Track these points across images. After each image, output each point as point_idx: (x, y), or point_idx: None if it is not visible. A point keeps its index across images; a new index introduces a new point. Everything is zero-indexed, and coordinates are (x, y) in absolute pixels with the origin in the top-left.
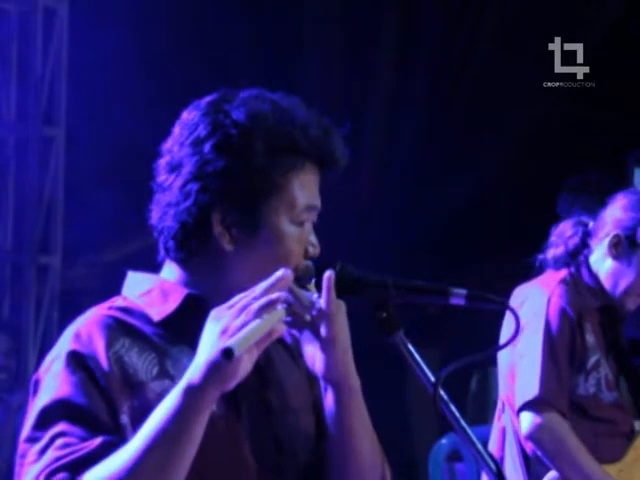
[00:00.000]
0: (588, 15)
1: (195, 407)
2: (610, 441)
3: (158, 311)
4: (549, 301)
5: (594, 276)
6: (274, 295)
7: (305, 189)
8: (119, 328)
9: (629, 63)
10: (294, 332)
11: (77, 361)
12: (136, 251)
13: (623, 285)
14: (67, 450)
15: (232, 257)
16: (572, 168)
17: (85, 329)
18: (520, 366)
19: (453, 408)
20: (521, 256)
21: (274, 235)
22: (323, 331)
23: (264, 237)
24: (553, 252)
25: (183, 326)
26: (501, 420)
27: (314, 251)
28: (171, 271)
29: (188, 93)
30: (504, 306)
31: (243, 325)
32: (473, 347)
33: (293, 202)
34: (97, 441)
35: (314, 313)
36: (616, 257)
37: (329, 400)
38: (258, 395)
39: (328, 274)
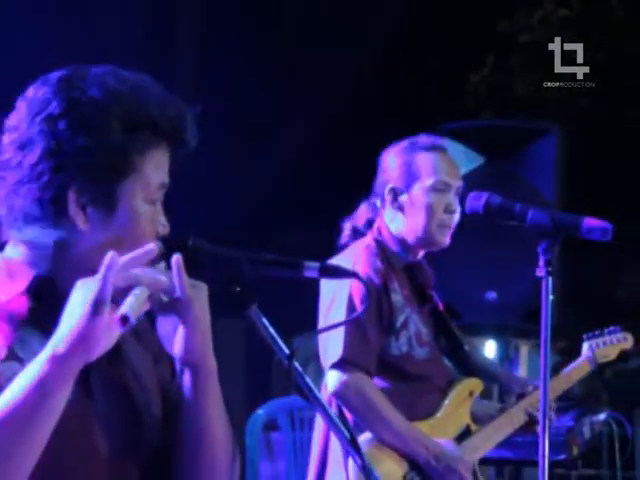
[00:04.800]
0: None
1: (60, 376)
2: (426, 398)
3: (3, 292)
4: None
5: (395, 236)
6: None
7: (159, 167)
8: None
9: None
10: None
11: None
12: None
13: (419, 230)
14: None
15: (85, 236)
16: (391, 134)
17: None
18: (329, 338)
19: (307, 379)
20: (333, 224)
21: (130, 214)
22: (183, 314)
23: (120, 216)
24: (351, 224)
25: (30, 308)
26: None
27: (164, 230)
28: (17, 250)
29: None
30: (354, 276)
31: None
32: (277, 319)
33: (148, 181)
34: None
35: (174, 295)
36: (400, 208)
37: (186, 382)
38: (109, 375)
39: (175, 258)
